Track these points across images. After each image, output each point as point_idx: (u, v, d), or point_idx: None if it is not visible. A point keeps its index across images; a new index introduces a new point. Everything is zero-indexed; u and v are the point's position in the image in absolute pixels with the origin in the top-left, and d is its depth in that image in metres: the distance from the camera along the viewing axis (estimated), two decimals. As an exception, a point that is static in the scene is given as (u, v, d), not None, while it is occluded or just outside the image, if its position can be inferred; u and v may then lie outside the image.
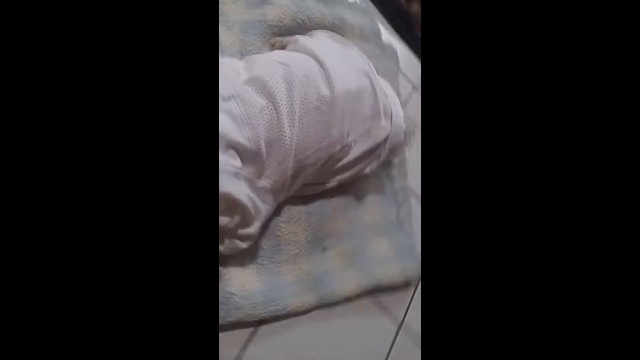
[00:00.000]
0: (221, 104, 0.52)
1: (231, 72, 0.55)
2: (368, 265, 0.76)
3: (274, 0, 0.78)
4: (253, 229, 0.58)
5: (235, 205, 0.53)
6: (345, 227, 0.75)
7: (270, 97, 0.55)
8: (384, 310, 0.78)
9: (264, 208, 0.58)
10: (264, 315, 0.64)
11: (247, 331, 0.66)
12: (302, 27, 0.78)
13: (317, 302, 0.68)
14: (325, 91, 0.58)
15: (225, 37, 0.73)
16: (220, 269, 0.62)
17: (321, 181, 0.69)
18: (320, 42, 0.68)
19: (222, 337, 0.63)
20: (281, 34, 0.77)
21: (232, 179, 0.51)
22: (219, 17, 0.73)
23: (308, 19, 0.78)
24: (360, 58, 0.68)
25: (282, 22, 0.76)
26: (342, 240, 0.75)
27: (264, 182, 0.58)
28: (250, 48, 0.74)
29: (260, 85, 0.55)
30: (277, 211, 0.68)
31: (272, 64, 0.58)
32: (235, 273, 0.64)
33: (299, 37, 0.68)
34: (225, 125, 0.51)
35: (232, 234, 0.58)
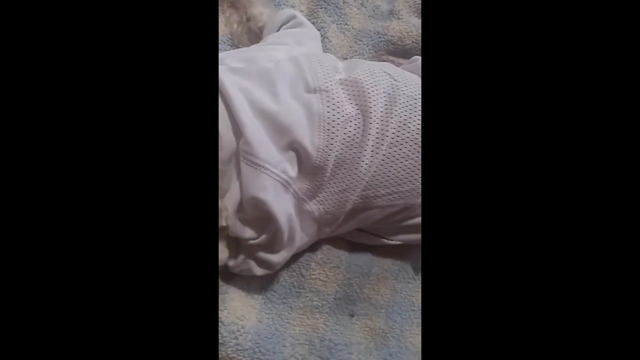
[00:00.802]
0: (301, 95, 0.41)
1: (328, 64, 0.45)
2: (398, 355, 0.58)
3: (403, 17, 0.69)
4: (277, 258, 0.45)
5: (268, 222, 0.41)
6: (388, 299, 0.58)
7: (363, 108, 0.43)
8: None
9: (301, 238, 0.45)
10: (246, 366, 0.49)
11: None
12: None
13: (317, 383, 0.52)
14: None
15: (337, 39, 0.65)
16: (220, 283, 0.50)
17: (380, 234, 0.54)
18: None
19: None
20: (396, 53, 0.67)
21: (278, 189, 0.40)
22: (338, 18, 0.66)
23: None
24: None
25: (402, 41, 0.66)
26: (378, 314, 0.58)
27: (314, 207, 0.45)
28: (358, 58, 0.66)
29: (356, 90, 0.44)
30: (313, 247, 0.55)
31: (378, 72, 0.46)
32: (236, 296, 0.51)
33: (418, 57, 0.56)
34: (297, 120, 0.39)
35: (251, 253, 0.45)
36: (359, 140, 0.43)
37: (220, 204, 0.37)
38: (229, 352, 0.48)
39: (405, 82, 0.47)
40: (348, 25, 0.66)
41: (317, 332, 0.54)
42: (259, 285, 0.53)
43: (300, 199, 0.43)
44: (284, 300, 0.54)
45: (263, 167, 0.38)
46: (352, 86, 0.44)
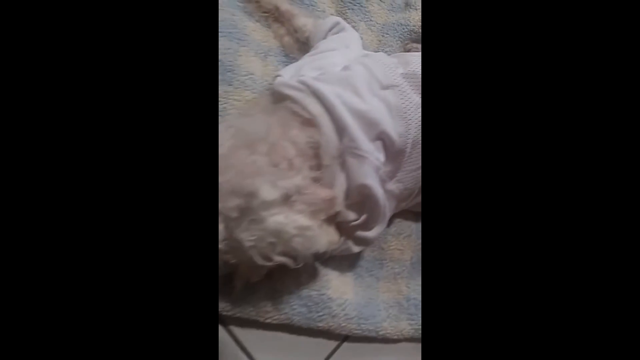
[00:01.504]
0: (379, 92, 0.48)
1: (388, 62, 0.52)
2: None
3: (419, 6, 0.75)
4: (373, 233, 0.52)
5: (368, 202, 0.48)
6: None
7: (425, 95, 0.51)
8: None
9: (388, 214, 0.53)
10: (355, 331, 0.57)
11: (331, 344, 0.59)
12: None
13: (411, 334, 0.60)
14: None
15: (366, 35, 0.72)
16: (318, 266, 0.56)
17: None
18: None
19: (307, 342, 0.57)
20: (419, 40, 0.74)
21: (374, 174, 0.47)
22: (364, 16, 0.72)
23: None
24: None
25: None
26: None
27: (393, 186, 0.52)
28: (387, 50, 0.72)
29: (417, 81, 0.51)
30: (387, 222, 0.62)
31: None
32: (333, 276, 0.58)
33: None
34: (381, 114, 0.46)
35: (350, 233, 0.52)
36: None
37: (332, 193, 0.44)
38: (341, 322, 0.56)
39: None
40: (373, 21, 0.73)
41: (402, 294, 0.62)
42: (347, 264, 0.61)
43: (384, 180, 0.50)
44: (371, 273, 0.62)
45: (366, 157, 0.45)
46: (412, 78, 0.51)
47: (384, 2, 0.76)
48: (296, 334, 0.57)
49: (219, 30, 0.55)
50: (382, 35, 0.73)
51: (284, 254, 0.40)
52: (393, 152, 0.49)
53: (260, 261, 0.40)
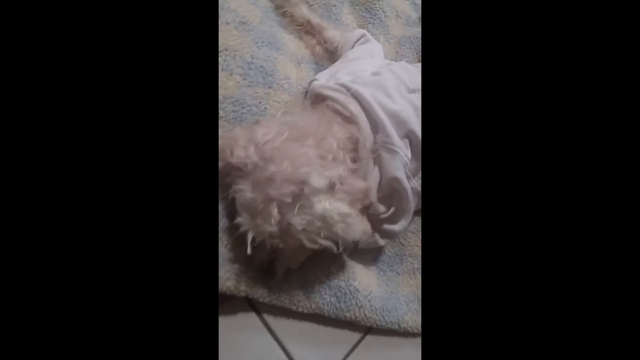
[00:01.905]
0: (406, 95, 0.53)
1: (412, 69, 0.57)
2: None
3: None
4: (398, 227, 0.56)
5: (396, 196, 0.52)
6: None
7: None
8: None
9: (412, 210, 0.57)
10: (379, 323, 0.60)
11: (355, 336, 0.62)
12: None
13: (431, 326, 0.63)
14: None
15: (385, 47, 0.77)
16: (345, 258, 0.60)
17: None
18: None
19: (333, 333, 0.60)
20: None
21: (403, 168, 0.51)
22: (383, 29, 0.77)
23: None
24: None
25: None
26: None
27: (417, 183, 0.56)
28: (405, 60, 0.77)
29: None
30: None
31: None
32: (358, 269, 0.61)
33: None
34: (409, 114, 0.51)
35: (377, 225, 0.56)
36: None
37: (368, 184, 0.48)
38: (367, 313, 0.59)
39: None
40: (391, 34, 0.79)
41: (420, 289, 0.65)
42: (371, 257, 0.64)
43: (409, 177, 0.55)
44: (391, 268, 0.65)
45: (398, 152, 0.49)
46: None
47: (400, 18, 0.82)
48: (323, 325, 0.60)
49: (261, 40, 0.60)
50: (400, 47, 0.78)
51: (328, 238, 0.44)
52: (418, 150, 0.53)
53: (308, 244, 0.43)
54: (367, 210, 0.51)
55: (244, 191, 0.43)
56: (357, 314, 0.58)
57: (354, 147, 0.47)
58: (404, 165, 0.51)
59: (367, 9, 0.77)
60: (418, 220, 0.68)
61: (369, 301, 0.59)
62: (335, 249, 0.45)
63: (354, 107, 0.48)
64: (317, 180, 0.42)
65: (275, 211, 0.42)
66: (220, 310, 0.56)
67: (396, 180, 0.50)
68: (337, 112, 0.48)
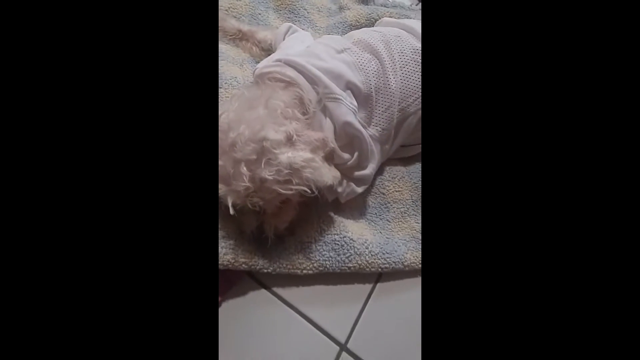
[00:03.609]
0: (336, 56, 0.60)
1: (338, 38, 0.64)
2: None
3: (351, 7, 0.92)
4: (368, 170, 0.61)
5: (356, 141, 0.58)
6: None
7: (374, 52, 0.63)
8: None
9: (377, 153, 0.62)
10: (383, 266, 0.63)
11: (366, 288, 0.64)
12: (375, 25, 0.90)
13: (433, 257, 0.66)
14: (417, 44, 0.65)
15: (315, 37, 0.86)
16: (333, 215, 0.63)
17: (417, 142, 0.72)
18: (399, 19, 0.77)
19: (345, 290, 0.63)
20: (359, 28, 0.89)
21: (352, 114, 0.56)
22: (309, 24, 0.87)
23: (378, 17, 0.90)
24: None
25: (358, 21, 0.89)
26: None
27: (373, 130, 0.62)
28: (336, 43, 0.86)
29: (363, 44, 0.63)
30: (379, 171, 0.71)
31: (367, 31, 0.68)
32: (350, 223, 0.65)
33: (382, 20, 0.78)
34: (343, 69, 0.58)
35: (349, 175, 0.61)
36: (382, 71, 0.62)
37: (323, 134, 0.53)
38: (368, 259, 0.62)
39: (386, 31, 0.67)
40: (317, 26, 0.88)
41: (414, 230, 0.69)
42: (358, 212, 0.68)
43: (364, 126, 0.60)
44: (380, 217, 0.69)
45: (340, 99, 0.55)
46: (359, 43, 0.64)
47: (322, 11, 0.92)
48: (333, 284, 0.63)
49: None
50: (329, 34, 0.88)
51: (300, 184, 0.48)
52: (362, 98, 0.59)
53: (283, 191, 0.47)
54: (331, 159, 0.56)
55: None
56: (359, 262, 0.61)
57: (301, 105, 0.53)
58: (352, 112, 0.57)
59: (290, 10, 0.87)
60: (390, 169, 0.72)
61: (367, 248, 0.62)
62: (309, 191, 0.49)
63: (291, 72, 0.55)
64: (275, 134, 0.47)
65: (244, 169, 0.46)
66: (230, 294, 0.58)
67: (348, 124, 0.55)
68: (277, 80, 0.55)
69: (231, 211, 0.47)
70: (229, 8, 0.82)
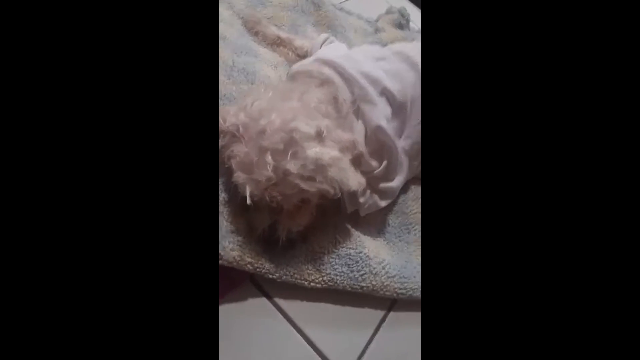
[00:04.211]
0: (374, 63, 0.58)
1: (376, 47, 0.64)
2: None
3: (387, 30, 0.93)
4: (395, 183, 0.57)
5: (386, 150, 0.54)
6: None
7: (412, 64, 0.61)
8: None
9: (405, 167, 0.58)
10: (399, 291, 0.56)
11: (377, 314, 0.58)
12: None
13: (454, 291, 0.59)
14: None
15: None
16: (350, 227, 0.58)
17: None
18: None
19: (354, 313, 0.56)
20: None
21: (385, 120, 0.54)
22: (345, 41, 0.87)
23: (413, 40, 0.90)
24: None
25: (393, 43, 0.89)
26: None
27: (404, 143, 0.59)
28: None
29: (402, 55, 0.62)
30: (403, 189, 0.66)
31: (407, 44, 0.67)
32: (367, 240, 0.60)
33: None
34: (380, 75, 0.56)
35: (374, 186, 0.57)
36: (418, 83, 0.60)
37: (353, 136, 0.50)
38: (383, 281, 0.56)
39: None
40: (353, 43, 0.88)
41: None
42: (376, 230, 0.63)
43: (394, 136, 0.57)
44: (400, 238, 0.63)
45: (375, 103, 0.53)
46: (400, 54, 0.62)
47: (358, 32, 0.93)
48: (341, 305, 0.56)
49: (240, 50, 0.69)
50: (364, 52, 0.88)
51: (324, 183, 0.44)
52: (396, 107, 0.57)
53: (305, 186, 0.43)
54: (359, 164, 0.52)
55: (239, 151, 0.45)
56: (374, 283, 0.55)
57: (335, 103, 0.51)
58: (385, 118, 0.54)
59: (328, 26, 0.88)
60: (415, 189, 0.68)
61: (383, 268, 0.57)
62: (332, 191, 0.45)
63: (328, 71, 0.53)
64: (305, 127, 0.44)
65: (269, 158, 0.43)
66: (228, 298, 0.53)
67: (380, 129, 0.52)
68: (313, 77, 0.53)
69: (248, 200, 0.43)
70: (271, 17, 0.84)
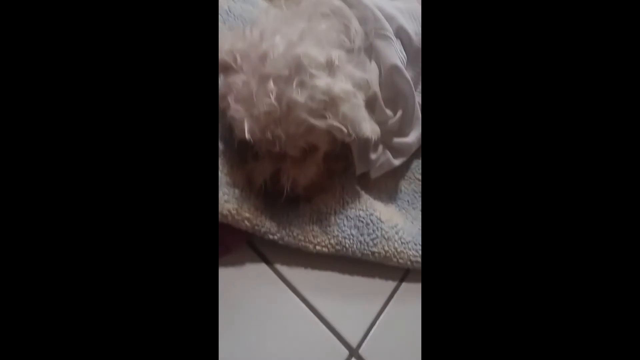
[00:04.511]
0: (391, 2, 0.52)
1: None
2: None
3: None
4: (410, 138, 0.50)
5: (399, 96, 0.48)
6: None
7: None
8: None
9: (420, 121, 0.52)
10: (414, 259, 0.50)
11: (389, 285, 0.52)
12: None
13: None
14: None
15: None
16: (359, 189, 0.52)
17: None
18: None
19: (363, 283, 0.50)
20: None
21: (399, 61, 0.47)
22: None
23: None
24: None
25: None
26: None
27: (419, 97, 0.53)
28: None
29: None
30: (417, 153, 0.60)
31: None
32: (379, 205, 0.53)
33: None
34: (395, 12, 0.49)
35: (387, 141, 0.50)
36: None
37: (366, 75, 0.43)
38: (396, 246, 0.50)
39: None
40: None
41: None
42: (387, 196, 0.57)
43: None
44: (413, 206, 0.57)
45: (392, 39, 0.46)
46: None
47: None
48: (349, 273, 0.50)
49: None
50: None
51: (335, 121, 0.38)
52: (412, 53, 0.50)
53: (314, 121, 0.37)
54: (372, 111, 0.46)
55: (236, 82, 0.38)
56: (386, 248, 0.49)
57: (346, 33, 0.44)
58: (400, 60, 0.48)
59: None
60: (429, 153, 0.63)
61: (397, 233, 0.51)
62: (344, 130, 0.39)
63: (337, 1, 0.47)
64: (317, 52, 0.38)
65: (272, 85, 0.36)
66: (224, 262, 0.46)
67: (396, 69, 0.46)
68: (321, 5, 0.46)
69: (247, 136, 0.37)
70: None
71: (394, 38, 0.47)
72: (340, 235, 0.48)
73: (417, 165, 0.61)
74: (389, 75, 0.47)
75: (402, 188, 0.59)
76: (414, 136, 0.51)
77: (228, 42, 0.41)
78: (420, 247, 0.51)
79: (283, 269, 0.48)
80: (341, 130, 0.39)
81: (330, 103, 0.38)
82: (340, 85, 0.38)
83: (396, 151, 0.52)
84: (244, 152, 0.41)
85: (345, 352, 0.45)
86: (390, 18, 0.49)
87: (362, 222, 0.49)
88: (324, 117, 0.38)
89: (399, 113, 0.49)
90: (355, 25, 0.45)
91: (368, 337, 0.47)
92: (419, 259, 0.51)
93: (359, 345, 0.46)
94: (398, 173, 0.58)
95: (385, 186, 0.57)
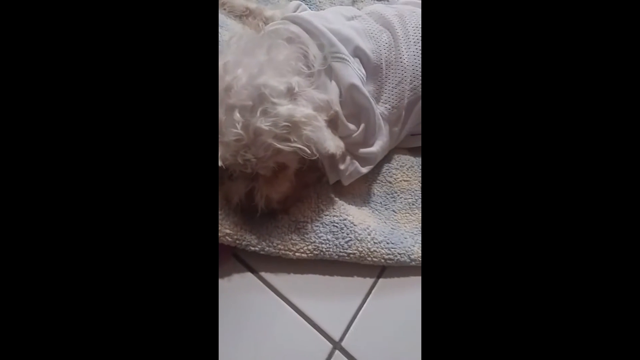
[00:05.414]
0: (345, 22, 0.56)
1: (348, 7, 0.61)
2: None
3: (365, 1, 0.90)
4: (375, 147, 0.55)
5: (361, 110, 0.52)
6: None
7: (386, 24, 0.59)
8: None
9: (385, 132, 0.56)
10: (387, 257, 0.55)
11: (367, 282, 0.56)
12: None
13: (443, 254, 0.58)
14: (433, 23, 0.61)
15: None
16: (333, 196, 0.57)
17: (428, 131, 0.67)
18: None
19: (343, 283, 0.55)
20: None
21: (357, 78, 0.52)
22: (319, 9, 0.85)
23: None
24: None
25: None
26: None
27: (382, 108, 0.57)
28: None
29: (375, 15, 0.60)
30: (386, 158, 0.65)
31: (381, 5, 0.64)
32: (350, 208, 0.58)
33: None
34: (352, 34, 0.54)
35: (354, 152, 0.55)
36: (394, 44, 0.58)
37: (326, 95, 0.48)
38: (369, 246, 0.55)
39: (401, 6, 0.64)
40: (328, 15, 0.86)
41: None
42: (361, 199, 0.61)
43: (372, 100, 0.55)
44: (386, 207, 0.62)
45: (347, 60, 0.51)
46: (373, 14, 0.60)
47: (334, 2, 0.90)
48: (329, 274, 0.55)
49: None
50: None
51: (299, 143, 0.42)
52: (371, 69, 0.55)
53: (279, 145, 0.41)
54: (335, 127, 0.50)
55: None
56: (360, 249, 0.54)
57: (304, 60, 0.49)
58: (359, 78, 0.52)
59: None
60: (398, 158, 0.66)
61: (369, 234, 0.55)
62: (308, 151, 0.43)
63: (295, 28, 0.51)
64: (277, 82, 0.42)
65: (237, 115, 0.41)
66: (212, 275, 0.51)
67: (355, 88, 0.50)
68: (280, 34, 0.51)
69: (220, 163, 0.41)
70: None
71: (350, 59, 0.51)
72: (317, 241, 0.53)
73: (387, 170, 0.65)
74: (348, 94, 0.51)
75: (375, 191, 0.64)
76: (378, 146, 0.55)
77: None
78: (392, 245, 0.56)
79: (267, 276, 0.53)
80: (306, 151, 0.43)
81: (293, 127, 0.42)
82: (301, 110, 0.43)
83: (363, 160, 0.56)
84: (221, 173, 0.45)
85: (329, 346, 0.50)
86: (346, 40, 0.53)
87: (337, 227, 0.54)
88: (288, 140, 0.42)
89: (362, 126, 0.53)
90: (313, 50, 0.49)
91: (349, 331, 0.52)
92: (392, 257, 0.56)
93: (341, 338, 0.51)
94: (370, 177, 0.63)
95: (358, 190, 0.62)
